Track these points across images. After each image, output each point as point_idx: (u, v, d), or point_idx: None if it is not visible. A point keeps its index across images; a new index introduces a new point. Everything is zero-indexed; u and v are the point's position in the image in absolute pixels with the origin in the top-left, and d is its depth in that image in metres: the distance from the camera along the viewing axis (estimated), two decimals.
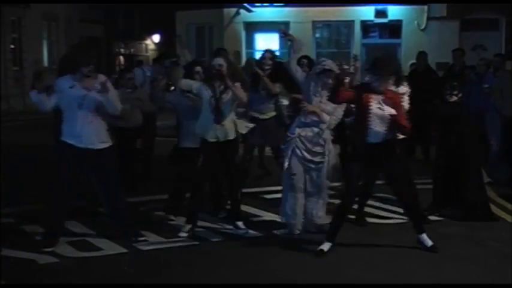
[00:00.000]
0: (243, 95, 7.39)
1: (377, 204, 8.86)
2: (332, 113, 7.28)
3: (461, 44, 20.47)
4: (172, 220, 7.84)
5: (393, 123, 6.58)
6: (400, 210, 8.46)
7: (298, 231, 7.38)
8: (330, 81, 7.16)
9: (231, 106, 7.36)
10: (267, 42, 23.59)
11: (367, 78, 6.98)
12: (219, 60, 7.37)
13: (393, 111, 6.51)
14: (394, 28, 22.94)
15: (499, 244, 7.10)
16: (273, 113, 8.83)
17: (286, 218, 7.41)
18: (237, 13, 23.07)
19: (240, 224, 7.46)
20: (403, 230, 7.73)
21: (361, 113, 6.58)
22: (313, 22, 22.94)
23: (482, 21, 22.06)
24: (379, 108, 6.51)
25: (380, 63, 6.62)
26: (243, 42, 23.31)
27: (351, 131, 6.86)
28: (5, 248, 6.79)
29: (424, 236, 6.86)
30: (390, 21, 22.74)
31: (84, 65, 6.77)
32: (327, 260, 6.55)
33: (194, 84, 7.40)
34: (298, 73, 7.59)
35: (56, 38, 30.01)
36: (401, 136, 7.06)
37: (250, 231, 7.44)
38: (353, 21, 22.80)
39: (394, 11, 22.52)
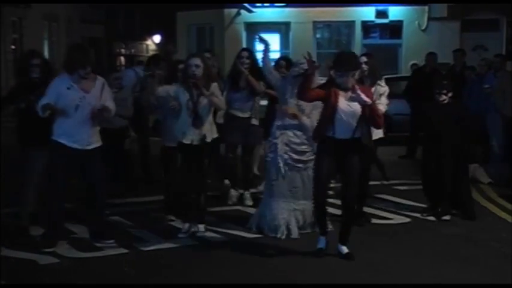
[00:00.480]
0: (220, 103, 7.36)
1: (377, 204, 8.86)
2: (309, 114, 7.27)
3: (462, 44, 20.46)
4: (172, 220, 7.84)
5: (365, 117, 6.44)
6: (401, 211, 8.49)
7: (280, 236, 7.31)
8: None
9: (209, 108, 7.28)
10: None
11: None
12: (196, 61, 7.16)
13: (368, 100, 6.38)
14: (394, 28, 22.92)
15: (499, 244, 7.10)
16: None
17: (262, 223, 7.41)
18: (238, 14, 23.05)
19: (201, 227, 7.39)
20: (404, 231, 7.74)
21: (329, 110, 6.45)
22: (314, 22, 22.93)
23: (483, 21, 22.05)
24: (347, 105, 6.41)
25: (341, 60, 6.53)
26: (244, 43, 23.26)
27: (317, 128, 6.70)
28: (5, 248, 6.79)
29: (343, 247, 6.65)
30: (391, 21, 22.73)
31: (81, 67, 6.73)
32: (327, 260, 6.55)
33: (171, 89, 7.30)
34: (272, 75, 7.63)
35: (56, 38, 30.00)
36: (376, 135, 7.02)
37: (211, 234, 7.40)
38: (354, 21, 22.79)
39: (394, 12, 22.51)
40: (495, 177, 10.29)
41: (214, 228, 7.62)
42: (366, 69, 7.63)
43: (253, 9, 22.84)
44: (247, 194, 8.79)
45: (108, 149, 7.48)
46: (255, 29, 23.45)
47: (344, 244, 6.64)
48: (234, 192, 8.87)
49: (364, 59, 7.70)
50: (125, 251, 6.88)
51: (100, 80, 6.95)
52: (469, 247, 7.06)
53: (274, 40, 23.63)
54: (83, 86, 6.78)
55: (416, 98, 12.14)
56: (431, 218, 8.07)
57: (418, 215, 8.27)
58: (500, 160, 10.85)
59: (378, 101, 7.50)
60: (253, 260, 6.58)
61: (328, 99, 6.46)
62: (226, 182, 9.22)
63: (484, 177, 10.36)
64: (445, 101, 8.08)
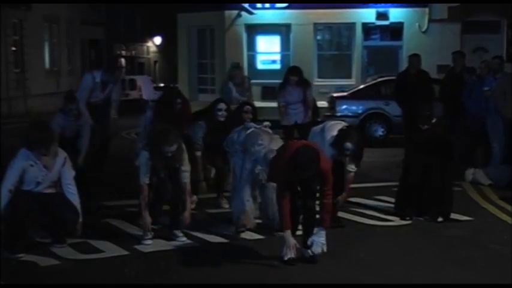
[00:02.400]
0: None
1: (378, 206, 8.87)
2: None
3: (463, 46, 20.47)
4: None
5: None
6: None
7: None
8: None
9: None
10: (268, 44, 23.66)
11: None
12: (172, 148, 7.05)
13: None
14: (395, 30, 22.93)
15: (499, 246, 7.10)
16: None
17: (237, 213, 7.48)
18: (239, 15, 23.05)
19: (177, 232, 7.37)
20: (404, 232, 7.75)
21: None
22: (315, 24, 22.94)
23: (484, 23, 22.06)
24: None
25: (300, 165, 6.26)
26: (245, 45, 23.31)
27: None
28: (4, 250, 6.79)
29: (308, 251, 6.58)
30: (391, 23, 22.73)
31: (43, 147, 6.81)
32: (327, 260, 6.55)
33: (143, 168, 7.14)
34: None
35: (57, 40, 30.06)
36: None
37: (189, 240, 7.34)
38: (354, 23, 22.79)
39: (395, 13, 22.52)
40: (495, 179, 10.29)
41: (214, 230, 7.63)
42: (349, 153, 7.48)
43: (254, 11, 22.85)
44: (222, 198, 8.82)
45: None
46: (255, 30, 23.50)
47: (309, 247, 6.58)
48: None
49: (350, 146, 7.37)
50: (125, 252, 6.89)
51: (61, 156, 7.00)
52: (470, 249, 7.06)
53: (274, 42, 23.68)
54: (45, 163, 6.87)
55: (405, 100, 12.24)
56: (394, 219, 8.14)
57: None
58: (501, 162, 10.85)
59: (351, 166, 7.65)
60: (253, 260, 6.58)
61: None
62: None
63: (484, 179, 10.36)
64: (427, 127, 8.20)
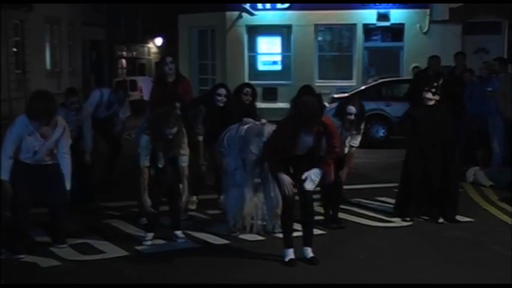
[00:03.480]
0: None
1: (379, 207, 8.87)
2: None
3: (464, 47, 20.47)
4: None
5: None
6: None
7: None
8: None
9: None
10: (269, 45, 23.65)
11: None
12: (172, 131, 7.06)
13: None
14: (396, 31, 22.91)
15: (501, 247, 7.10)
16: None
17: (232, 215, 7.47)
18: (240, 16, 23.05)
19: (178, 233, 7.37)
20: (405, 233, 7.75)
21: (290, 142, 6.40)
22: (316, 25, 22.93)
23: (485, 24, 22.03)
24: (305, 139, 6.40)
25: (308, 112, 6.28)
26: (245, 46, 23.31)
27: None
28: (6, 251, 6.80)
29: (308, 249, 6.60)
30: (392, 24, 22.71)
31: (43, 117, 6.71)
32: (328, 260, 6.55)
33: (143, 151, 7.14)
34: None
35: (58, 41, 30.04)
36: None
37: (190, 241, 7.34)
38: (355, 24, 22.78)
39: (396, 15, 22.51)
40: (496, 180, 10.29)
41: (215, 231, 7.63)
42: (353, 118, 7.58)
43: (255, 12, 22.85)
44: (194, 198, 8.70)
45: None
46: (256, 31, 23.49)
47: (309, 246, 6.60)
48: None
49: (353, 110, 7.54)
50: (126, 253, 6.89)
51: (61, 125, 6.92)
52: (471, 250, 7.06)
53: (275, 43, 23.68)
54: (43, 132, 6.77)
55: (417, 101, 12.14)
56: (395, 220, 8.12)
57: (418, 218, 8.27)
58: (502, 163, 10.84)
59: (353, 141, 7.75)
60: (253, 260, 6.58)
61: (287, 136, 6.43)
62: None
63: (486, 180, 10.35)
64: (431, 102, 8.12)
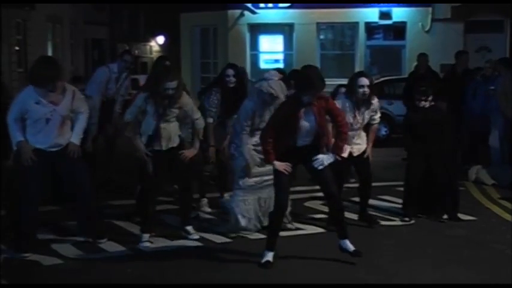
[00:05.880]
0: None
1: (381, 205, 8.87)
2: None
3: (466, 45, 20.46)
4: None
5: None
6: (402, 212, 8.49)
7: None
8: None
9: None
10: (271, 44, 23.67)
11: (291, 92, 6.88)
12: (172, 84, 6.87)
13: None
14: (398, 30, 22.93)
15: (502, 246, 7.10)
16: None
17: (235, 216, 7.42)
18: (241, 15, 23.08)
19: (189, 228, 7.35)
20: (407, 232, 7.75)
21: (290, 125, 6.34)
22: (318, 24, 22.96)
23: (487, 23, 22.04)
24: (306, 122, 6.34)
25: (309, 81, 6.24)
26: (247, 44, 23.33)
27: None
28: (7, 249, 6.81)
29: (347, 242, 6.52)
30: (394, 22, 22.73)
31: (49, 83, 6.55)
32: (327, 260, 6.55)
33: (135, 108, 7.01)
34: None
35: (60, 40, 30.05)
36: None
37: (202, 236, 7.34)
38: (357, 23, 22.81)
39: (398, 13, 22.52)
40: (498, 178, 10.28)
41: (217, 229, 7.62)
42: (367, 92, 7.56)
43: (257, 11, 22.87)
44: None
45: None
46: (258, 30, 23.51)
47: (347, 238, 6.52)
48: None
49: (366, 81, 7.56)
50: (129, 252, 6.90)
51: (69, 89, 6.78)
52: (472, 248, 7.06)
53: (277, 41, 23.69)
54: (52, 99, 6.60)
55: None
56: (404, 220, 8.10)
57: (421, 216, 8.27)
58: (504, 161, 10.83)
59: (373, 117, 7.79)
60: (254, 260, 6.57)
61: (289, 117, 6.35)
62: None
63: (487, 178, 10.35)
64: (426, 106, 8.10)
